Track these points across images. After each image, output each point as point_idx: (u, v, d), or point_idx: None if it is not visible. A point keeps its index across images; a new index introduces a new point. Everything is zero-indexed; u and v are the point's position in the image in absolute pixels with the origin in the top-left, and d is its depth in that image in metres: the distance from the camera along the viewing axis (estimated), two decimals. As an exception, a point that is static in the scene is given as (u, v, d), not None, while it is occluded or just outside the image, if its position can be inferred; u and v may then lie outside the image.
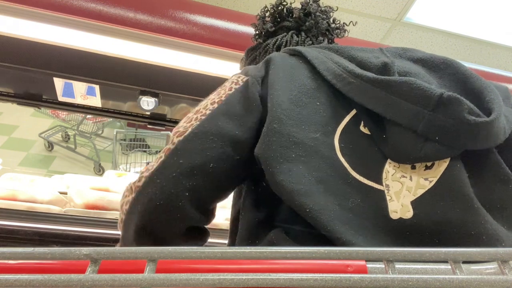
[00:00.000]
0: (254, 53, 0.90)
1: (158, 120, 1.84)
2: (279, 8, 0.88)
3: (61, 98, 1.69)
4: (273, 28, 0.87)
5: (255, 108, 0.61)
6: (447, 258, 0.32)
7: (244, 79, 0.64)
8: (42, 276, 0.29)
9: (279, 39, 0.85)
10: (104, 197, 1.58)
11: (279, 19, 0.89)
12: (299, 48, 0.69)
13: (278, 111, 0.58)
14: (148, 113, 1.77)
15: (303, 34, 0.85)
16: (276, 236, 0.54)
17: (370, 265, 0.37)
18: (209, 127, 0.58)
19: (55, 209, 1.52)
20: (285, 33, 0.86)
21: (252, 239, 0.58)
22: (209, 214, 0.61)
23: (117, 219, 0.63)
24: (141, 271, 0.31)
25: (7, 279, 0.30)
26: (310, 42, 0.84)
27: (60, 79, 1.63)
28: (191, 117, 0.62)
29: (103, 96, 1.71)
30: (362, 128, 0.58)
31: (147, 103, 1.65)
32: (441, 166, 0.53)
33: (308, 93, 0.61)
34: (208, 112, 0.60)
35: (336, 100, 0.61)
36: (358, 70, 0.59)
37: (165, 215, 0.55)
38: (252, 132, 0.60)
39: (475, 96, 0.55)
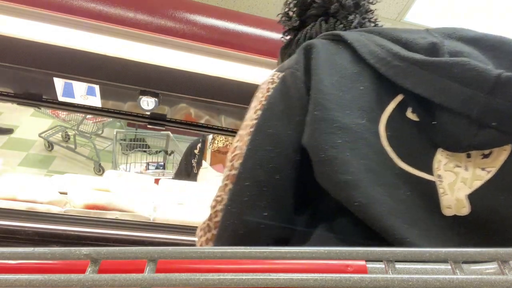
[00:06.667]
0: (288, 51, 0.85)
1: (158, 120, 1.84)
2: None
3: (61, 98, 1.69)
4: (298, 21, 0.82)
5: (298, 101, 0.57)
6: (447, 258, 0.32)
7: (280, 75, 0.61)
8: (42, 276, 0.29)
9: (308, 30, 0.79)
10: (104, 197, 1.58)
11: (304, 10, 0.82)
12: (338, 32, 0.65)
13: (320, 97, 0.54)
14: (148, 113, 1.77)
15: (331, 19, 0.79)
16: (321, 235, 0.52)
17: (370, 265, 0.37)
18: (261, 138, 0.55)
19: (55, 209, 1.52)
20: (313, 23, 0.80)
21: (295, 240, 0.55)
22: (291, 224, 0.57)
23: (117, 219, 0.62)
24: (141, 271, 0.31)
25: (7, 279, 0.30)
26: (341, 25, 0.78)
27: (60, 79, 1.63)
28: (242, 134, 0.59)
29: (103, 96, 1.71)
30: (409, 114, 0.54)
31: (147, 103, 1.65)
32: (502, 155, 0.48)
33: (350, 77, 0.57)
34: (254, 122, 0.57)
35: (381, 85, 0.56)
36: (403, 52, 0.54)
37: (253, 241, 0.53)
38: (303, 126, 0.56)
39: None
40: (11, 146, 4.38)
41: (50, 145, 4.48)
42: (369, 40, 0.60)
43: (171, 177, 3.54)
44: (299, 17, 0.82)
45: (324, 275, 0.29)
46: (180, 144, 4.20)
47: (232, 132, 1.96)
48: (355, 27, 0.77)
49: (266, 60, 1.50)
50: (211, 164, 2.76)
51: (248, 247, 0.33)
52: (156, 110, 1.68)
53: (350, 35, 0.62)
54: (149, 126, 1.86)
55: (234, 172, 0.55)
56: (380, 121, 0.54)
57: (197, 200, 1.82)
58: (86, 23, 1.37)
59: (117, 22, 1.35)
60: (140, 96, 1.64)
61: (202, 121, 1.91)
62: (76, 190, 1.62)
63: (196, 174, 2.76)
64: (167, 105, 1.80)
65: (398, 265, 0.33)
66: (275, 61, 1.51)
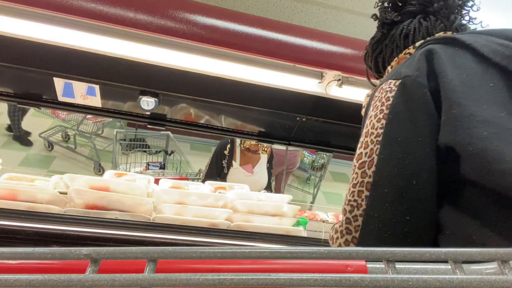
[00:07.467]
0: (380, 46, 0.85)
1: (158, 120, 1.84)
2: None
3: (61, 98, 1.69)
4: (399, 17, 0.81)
5: (423, 106, 0.59)
6: (447, 258, 0.32)
7: (397, 83, 0.62)
8: (42, 276, 0.29)
9: (405, 27, 0.79)
10: (104, 197, 1.57)
11: (401, 4, 0.82)
12: (453, 35, 0.67)
13: (454, 96, 0.56)
14: (148, 113, 1.77)
15: (431, 17, 0.78)
16: (476, 228, 0.52)
17: (370, 265, 0.37)
18: (392, 147, 0.58)
19: (55, 209, 1.52)
20: (410, 19, 0.80)
21: (448, 239, 0.56)
22: (434, 224, 0.58)
23: (117, 219, 0.62)
24: (141, 271, 0.31)
25: (7, 279, 0.30)
26: (442, 25, 0.78)
27: (60, 79, 1.63)
28: (365, 142, 0.62)
29: (103, 96, 1.71)
30: None
31: (147, 103, 1.65)
32: None
33: (477, 75, 0.59)
34: (380, 131, 0.60)
35: (509, 81, 0.58)
36: None
37: (395, 241, 0.56)
38: (433, 128, 0.58)
39: None
40: (11, 146, 4.38)
41: (50, 145, 4.48)
42: (486, 40, 0.62)
43: (171, 177, 3.55)
44: (395, 12, 0.82)
45: (324, 275, 0.29)
46: (180, 144, 4.20)
47: (232, 132, 1.96)
48: (456, 28, 0.78)
49: (266, 60, 1.50)
50: (240, 165, 2.82)
51: (248, 248, 0.33)
52: (156, 110, 1.68)
53: (466, 37, 0.64)
54: (149, 126, 1.86)
55: (368, 179, 0.59)
56: None
57: (197, 200, 1.82)
58: (86, 23, 1.37)
59: (117, 22, 1.35)
60: (140, 96, 1.64)
61: (202, 121, 1.91)
62: (76, 190, 1.62)
63: (226, 175, 2.81)
64: (167, 105, 1.80)
65: (398, 265, 0.33)
66: (275, 61, 1.51)
